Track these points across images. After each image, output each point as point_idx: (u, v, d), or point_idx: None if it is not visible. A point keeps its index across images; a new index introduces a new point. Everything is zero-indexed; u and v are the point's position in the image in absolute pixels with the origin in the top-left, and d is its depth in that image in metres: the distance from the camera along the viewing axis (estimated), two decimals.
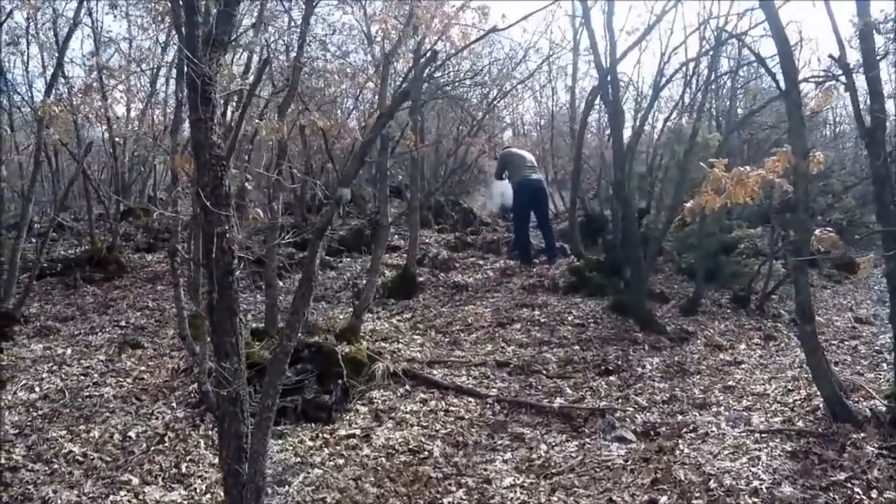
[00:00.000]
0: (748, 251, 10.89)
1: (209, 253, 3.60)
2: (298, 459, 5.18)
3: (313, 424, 5.84)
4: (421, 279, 10.26)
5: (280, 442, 5.40)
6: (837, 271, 12.03)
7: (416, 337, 8.09)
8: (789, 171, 5.14)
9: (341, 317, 8.45)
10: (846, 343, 8.12)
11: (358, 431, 5.71)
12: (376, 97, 11.79)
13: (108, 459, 5.20)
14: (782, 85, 5.53)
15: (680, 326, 8.51)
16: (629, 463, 5.08)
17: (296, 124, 10.29)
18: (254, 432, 3.74)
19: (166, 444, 5.43)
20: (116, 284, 10.09)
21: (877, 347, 7.79)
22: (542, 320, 8.59)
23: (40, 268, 9.94)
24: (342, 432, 5.68)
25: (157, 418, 5.89)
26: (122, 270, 10.62)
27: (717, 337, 8.27)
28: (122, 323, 8.45)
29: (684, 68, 12.13)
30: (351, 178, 3.86)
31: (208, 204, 3.54)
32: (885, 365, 7.02)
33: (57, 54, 10.83)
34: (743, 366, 7.27)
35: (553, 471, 5.08)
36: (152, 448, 5.38)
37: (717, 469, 4.79)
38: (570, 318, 8.64)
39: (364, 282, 9.54)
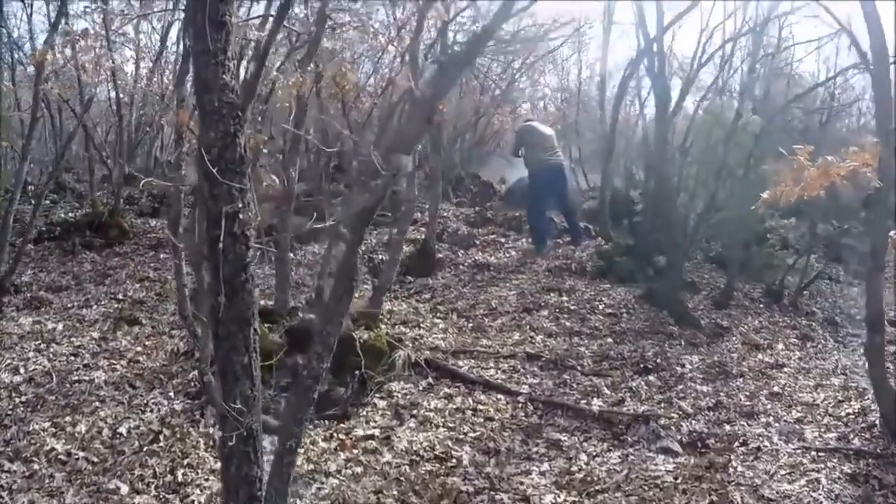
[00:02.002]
0: (779, 243, 10.61)
1: (215, 241, 2.79)
2: (311, 466, 4.56)
3: (327, 422, 5.23)
4: (440, 256, 9.77)
5: None
6: (864, 267, 11.50)
7: (437, 321, 7.55)
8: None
9: (357, 295, 7.88)
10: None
11: (377, 432, 5.10)
12: (397, 60, 11.15)
13: (95, 460, 4.56)
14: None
15: (714, 321, 8.17)
16: (679, 481, 4.58)
17: (313, 89, 9.65)
18: (271, 480, 2.99)
19: (161, 444, 4.77)
20: (117, 251, 9.50)
21: None
22: (572, 307, 8.08)
23: (38, 231, 9.39)
24: (359, 432, 5.08)
25: (151, 410, 5.23)
26: (123, 236, 10.04)
27: (753, 334, 7.93)
28: (120, 295, 7.83)
29: (725, 47, 11.46)
30: (412, 144, 3.05)
31: (215, 171, 2.74)
32: None
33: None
34: (785, 369, 6.88)
35: (597, 487, 4.53)
36: (145, 448, 4.72)
37: (777, 493, 4.39)
38: (600, 307, 8.15)
39: (381, 257, 9.00)
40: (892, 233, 4.78)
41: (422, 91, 3.03)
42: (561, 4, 13.15)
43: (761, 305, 9.02)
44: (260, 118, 11.56)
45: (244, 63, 7.24)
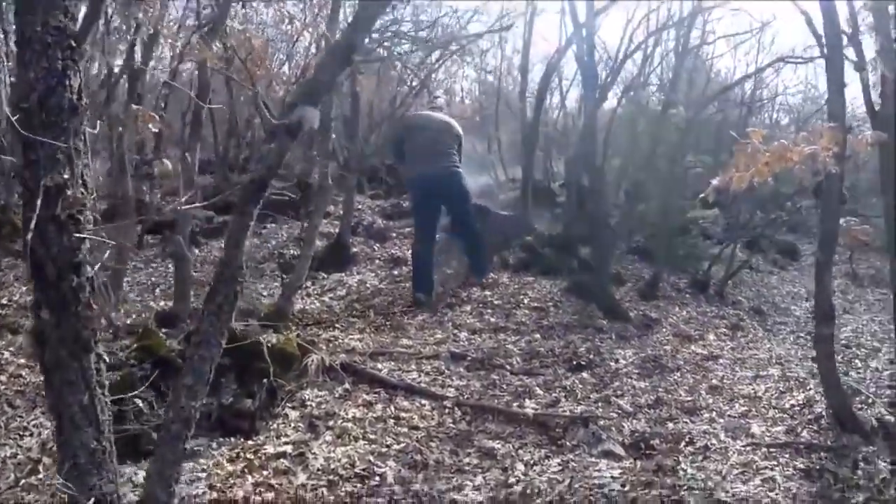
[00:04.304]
0: (701, 233, 10.72)
1: (27, 223, 2.03)
2: (215, 495, 3.91)
3: (232, 438, 4.62)
4: (355, 250, 9.34)
5: (190, 465, 4.11)
6: (781, 256, 11.92)
7: (353, 320, 7.07)
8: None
9: (265, 294, 7.33)
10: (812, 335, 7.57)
11: (290, 448, 4.49)
12: (313, 47, 10.63)
13: None
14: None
15: (643, 312, 7.99)
16: (628, 488, 4.19)
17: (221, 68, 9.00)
18: None
19: (41, 476, 4.01)
20: (8, 249, 8.63)
21: (843, 342, 7.43)
22: (496, 302, 7.75)
23: None
24: (270, 449, 4.45)
25: (31, 434, 4.50)
26: (16, 233, 9.15)
27: (683, 325, 7.82)
28: (4, 300, 7.08)
29: (649, 40, 11.28)
30: (322, 92, 2.42)
31: (23, 127, 1.98)
32: (857, 362, 6.80)
33: None
34: (720, 361, 6.74)
35: (538, 501, 4.07)
36: (23, 481, 3.97)
37: (732, 496, 4.10)
38: (526, 301, 7.86)
39: (292, 252, 8.48)
40: (842, 221, 4.62)
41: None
42: None
43: (688, 296, 8.97)
44: (164, 104, 10.90)
45: None
